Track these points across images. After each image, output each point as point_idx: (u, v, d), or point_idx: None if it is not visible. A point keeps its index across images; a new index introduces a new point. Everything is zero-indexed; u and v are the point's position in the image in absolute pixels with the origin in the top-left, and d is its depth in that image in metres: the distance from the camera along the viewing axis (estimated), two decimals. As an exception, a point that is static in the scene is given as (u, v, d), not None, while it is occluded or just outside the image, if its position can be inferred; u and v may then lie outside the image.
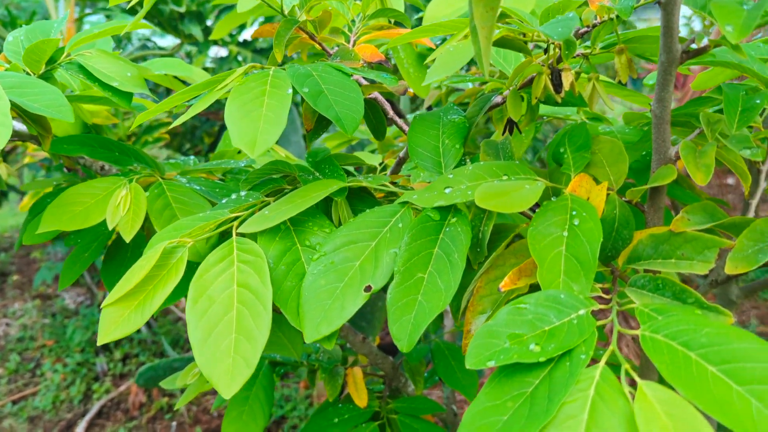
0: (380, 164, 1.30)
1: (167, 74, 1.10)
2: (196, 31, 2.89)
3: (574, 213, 0.59)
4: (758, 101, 0.61)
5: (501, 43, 0.72)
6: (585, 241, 0.57)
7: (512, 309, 0.52)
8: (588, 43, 0.79)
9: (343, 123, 0.68)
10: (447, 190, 0.65)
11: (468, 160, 0.73)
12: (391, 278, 0.61)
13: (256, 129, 0.66)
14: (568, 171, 0.66)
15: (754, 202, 0.71)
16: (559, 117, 1.13)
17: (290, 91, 0.69)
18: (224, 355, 0.60)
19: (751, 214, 0.71)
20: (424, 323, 0.58)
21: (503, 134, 0.87)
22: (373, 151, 1.74)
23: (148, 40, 3.45)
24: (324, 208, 0.75)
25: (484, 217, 0.65)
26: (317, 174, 0.77)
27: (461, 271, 0.59)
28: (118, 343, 3.08)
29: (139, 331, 3.12)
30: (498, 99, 0.83)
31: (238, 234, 0.69)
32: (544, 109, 1.09)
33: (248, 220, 0.70)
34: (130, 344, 3.08)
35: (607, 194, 0.62)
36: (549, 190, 0.66)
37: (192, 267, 0.67)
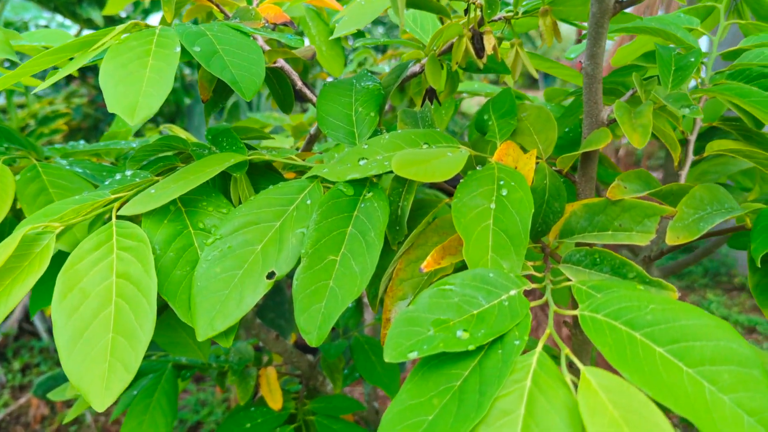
0: (292, 147, 1.21)
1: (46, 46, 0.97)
2: (96, 15, 2.70)
3: (501, 183, 0.52)
4: (692, 59, 0.56)
5: (417, 2, 0.65)
6: (515, 212, 0.50)
7: (436, 291, 0.45)
8: (510, 8, 0.74)
9: (240, 86, 0.59)
10: (361, 162, 0.58)
11: (384, 130, 0.66)
12: (299, 262, 0.53)
13: (137, 92, 0.57)
14: (493, 138, 0.60)
15: (683, 173, 0.67)
16: (480, 93, 1.07)
17: (178, 49, 0.60)
18: (99, 359, 0.50)
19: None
20: (337, 312, 0.50)
21: (422, 105, 0.81)
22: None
23: (47, 28, 3.21)
24: (222, 186, 0.66)
25: (403, 191, 0.58)
26: (214, 149, 0.68)
27: (378, 252, 0.52)
28: (16, 353, 2.85)
29: (39, 338, 2.90)
30: (416, 67, 0.77)
31: (118, 217, 0.59)
32: (464, 86, 1.03)
33: (131, 200, 0.60)
34: (30, 353, 2.85)
35: (536, 163, 0.56)
36: (473, 160, 0.59)
37: (66, 257, 0.57)
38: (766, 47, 0.74)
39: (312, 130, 0.80)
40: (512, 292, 0.47)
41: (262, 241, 0.56)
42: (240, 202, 0.64)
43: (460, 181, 0.53)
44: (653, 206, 0.48)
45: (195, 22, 0.89)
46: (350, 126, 0.64)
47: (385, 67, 1.86)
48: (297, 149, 1.17)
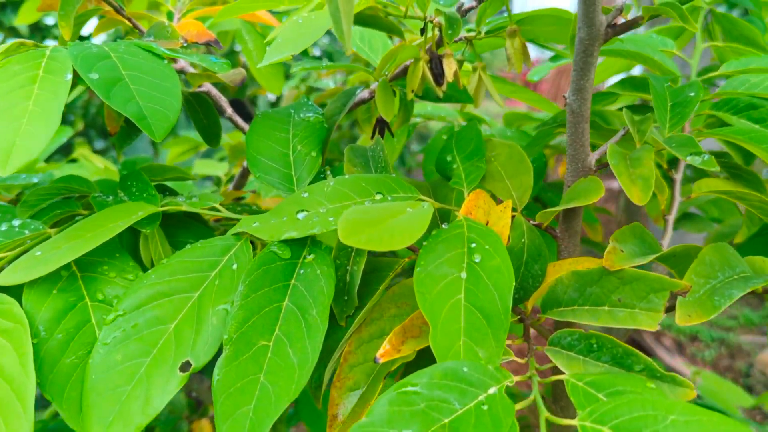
0: (226, 174, 1.10)
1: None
2: (22, 24, 2.50)
3: (473, 245, 0.43)
4: (692, 94, 0.48)
5: (365, 20, 0.55)
6: (491, 285, 0.41)
7: (396, 397, 0.35)
8: (472, 26, 0.65)
9: (149, 123, 0.48)
10: (300, 215, 0.47)
11: (329, 173, 0.55)
12: (221, 349, 0.42)
13: (15, 130, 0.45)
14: (459, 186, 0.50)
15: (671, 219, 0.59)
16: (434, 118, 0.98)
17: (69, 76, 0.48)
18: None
19: (668, 234, 0.59)
20: (270, 418, 0.39)
21: (372, 138, 0.71)
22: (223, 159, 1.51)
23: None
24: (130, 242, 0.54)
25: (352, 253, 0.47)
26: (122, 194, 0.56)
27: (322, 335, 0.41)
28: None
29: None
30: (364, 94, 0.66)
31: (-8, 288, 0.46)
32: (416, 108, 0.94)
33: (12, 264, 0.48)
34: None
35: (513, 216, 0.47)
36: (436, 215, 0.49)
37: None
38: (751, 74, 0.66)
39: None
40: (492, 390, 0.37)
41: (176, 319, 0.44)
42: (152, 265, 0.52)
43: (423, 243, 0.43)
44: (662, 279, 0.39)
45: (117, 38, 0.77)
46: (287, 168, 0.53)
47: (329, 82, 1.75)
48: (233, 178, 1.06)
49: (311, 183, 0.52)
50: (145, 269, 0.50)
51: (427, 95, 0.63)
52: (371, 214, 0.42)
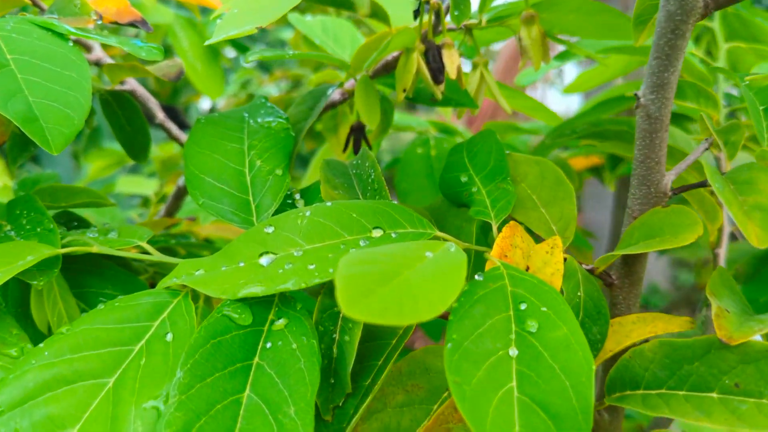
0: (157, 194, 0.93)
1: None
2: None
3: (522, 307, 0.29)
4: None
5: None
6: (558, 367, 0.28)
7: None
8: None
9: (42, 127, 0.33)
10: (264, 260, 0.33)
11: (298, 196, 0.41)
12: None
13: None
14: (483, 216, 0.37)
15: (722, 253, 0.48)
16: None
17: None
18: None
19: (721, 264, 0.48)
20: None
21: (344, 150, 0.57)
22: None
23: None
24: (17, 299, 0.38)
25: (340, 313, 0.33)
26: (8, 228, 0.40)
27: (304, 446, 0.27)
28: None
29: None
30: (335, 95, 0.53)
31: None
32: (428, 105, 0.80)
33: None
34: None
35: (564, 259, 0.34)
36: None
37: None
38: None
39: (181, 181, 0.54)
40: None
41: (80, 420, 0.29)
42: (50, 332, 0.37)
43: (452, 305, 0.29)
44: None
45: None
46: (242, 191, 0.38)
47: (272, 90, 1.60)
48: (165, 198, 0.90)
49: (277, 212, 0.38)
50: (38, 339, 0.35)
51: (418, 97, 0.50)
52: (378, 263, 0.28)
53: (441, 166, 0.77)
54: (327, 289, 0.34)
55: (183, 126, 1.28)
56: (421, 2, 0.46)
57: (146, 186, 0.92)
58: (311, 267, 0.32)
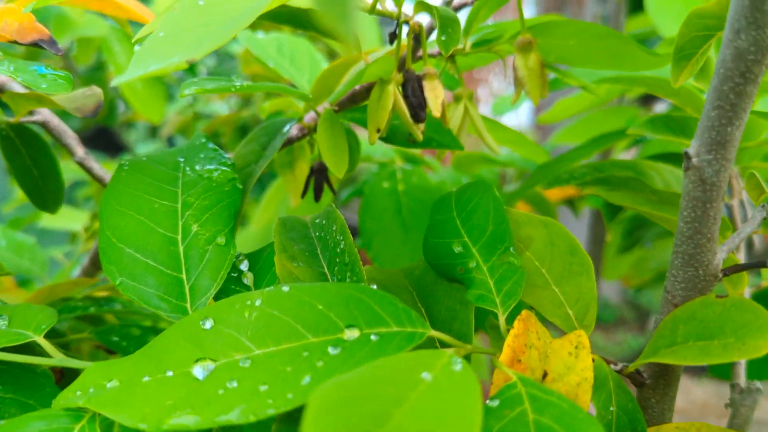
0: (87, 229, 0.82)
1: None
2: None
3: (553, 443, 0.22)
4: None
5: (286, 13, 0.34)
6: None
7: None
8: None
9: None
10: (199, 372, 0.24)
11: (246, 268, 0.32)
12: None
13: None
14: (488, 304, 0.29)
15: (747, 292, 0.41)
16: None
17: None
18: None
19: None
20: None
21: (302, 196, 0.48)
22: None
23: None
24: None
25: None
26: None
27: None
28: None
29: None
30: (294, 131, 0.44)
31: None
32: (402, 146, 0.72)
33: None
34: None
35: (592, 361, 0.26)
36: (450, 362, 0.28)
37: None
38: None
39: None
40: None
41: None
42: None
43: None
44: None
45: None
46: (173, 268, 0.30)
47: (221, 106, 1.49)
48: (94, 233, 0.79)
49: (218, 297, 0.29)
50: None
51: (393, 136, 0.42)
52: (361, 397, 0.20)
53: (410, 202, 0.69)
54: (286, 415, 0.25)
55: (119, 149, 1.17)
56: (399, 23, 0.38)
57: (75, 219, 0.81)
58: (263, 388, 0.23)
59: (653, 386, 0.30)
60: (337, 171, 0.37)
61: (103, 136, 1.02)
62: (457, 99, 0.43)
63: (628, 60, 0.42)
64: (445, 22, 0.35)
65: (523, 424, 0.22)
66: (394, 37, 0.38)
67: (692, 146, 0.26)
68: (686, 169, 0.26)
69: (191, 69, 1.03)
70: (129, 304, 0.44)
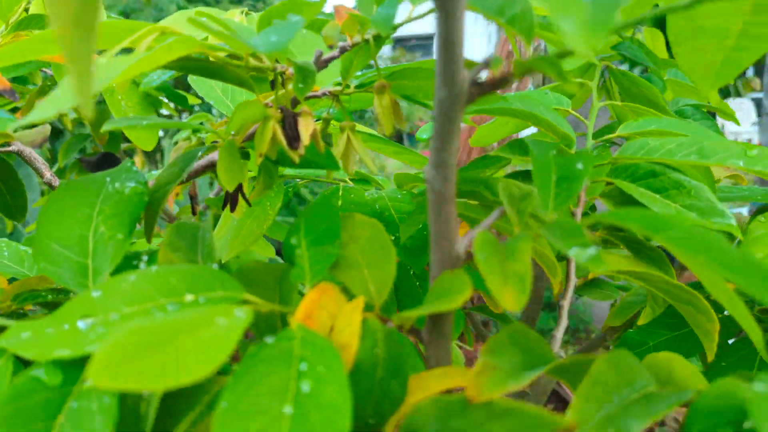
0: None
1: None
2: None
3: (303, 367, 0.32)
4: (579, 166, 0.40)
5: (194, 66, 0.45)
6: (319, 427, 0.30)
7: None
8: (339, 80, 0.55)
9: None
10: (82, 324, 0.35)
11: (144, 260, 0.44)
12: None
13: None
14: (300, 279, 0.40)
15: (565, 305, 0.51)
16: (309, 178, 0.88)
17: None
18: None
19: (562, 324, 0.50)
20: None
21: (222, 209, 0.60)
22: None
23: None
24: None
25: (149, 374, 0.35)
26: None
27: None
28: None
29: None
30: (201, 161, 0.56)
31: None
32: (293, 170, 0.83)
33: None
34: None
35: (364, 319, 0.37)
36: (277, 318, 0.39)
37: None
38: (649, 137, 0.60)
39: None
40: None
41: None
42: None
43: (233, 367, 0.32)
44: (540, 415, 0.30)
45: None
46: (82, 256, 0.41)
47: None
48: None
49: (113, 274, 0.40)
50: None
51: (283, 159, 0.53)
52: (159, 331, 0.30)
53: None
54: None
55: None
56: (276, 74, 0.49)
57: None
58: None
59: (429, 341, 0.39)
60: (227, 185, 0.48)
61: (105, 161, 1.15)
62: (342, 129, 0.54)
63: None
64: (303, 74, 0.46)
65: (287, 354, 0.33)
66: (273, 83, 0.49)
67: (427, 167, 0.36)
68: (426, 182, 0.36)
69: (183, 102, 1.16)
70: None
